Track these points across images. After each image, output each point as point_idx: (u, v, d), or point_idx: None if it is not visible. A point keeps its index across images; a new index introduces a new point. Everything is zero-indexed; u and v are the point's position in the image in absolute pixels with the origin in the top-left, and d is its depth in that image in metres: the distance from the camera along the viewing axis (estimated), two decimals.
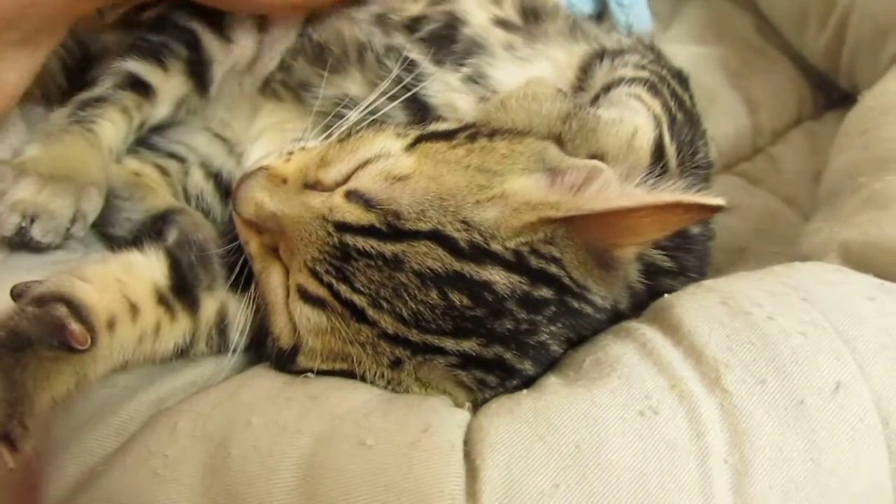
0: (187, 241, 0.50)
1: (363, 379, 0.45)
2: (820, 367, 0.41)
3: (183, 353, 0.48)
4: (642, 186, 0.44)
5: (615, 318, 0.49)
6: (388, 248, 0.43)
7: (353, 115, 0.58)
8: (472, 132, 0.49)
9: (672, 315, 0.46)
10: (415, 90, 0.62)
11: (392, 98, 0.61)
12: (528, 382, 0.45)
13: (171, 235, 0.55)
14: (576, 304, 0.46)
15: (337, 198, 0.45)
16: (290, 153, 0.50)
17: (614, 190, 0.43)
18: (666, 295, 0.49)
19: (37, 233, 0.50)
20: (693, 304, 0.46)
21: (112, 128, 0.57)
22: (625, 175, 0.47)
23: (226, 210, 0.65)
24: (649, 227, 0.44)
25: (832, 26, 0.76)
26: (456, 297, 0.43)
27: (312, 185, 0.48)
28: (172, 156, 0.65)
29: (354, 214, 0.44)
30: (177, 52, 0.61)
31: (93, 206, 0.53)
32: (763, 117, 0.82)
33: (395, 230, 0.43)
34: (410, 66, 0.64)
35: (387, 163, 0.46)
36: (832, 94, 0.82)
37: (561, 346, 0.46)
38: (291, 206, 0.46)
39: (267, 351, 0.48)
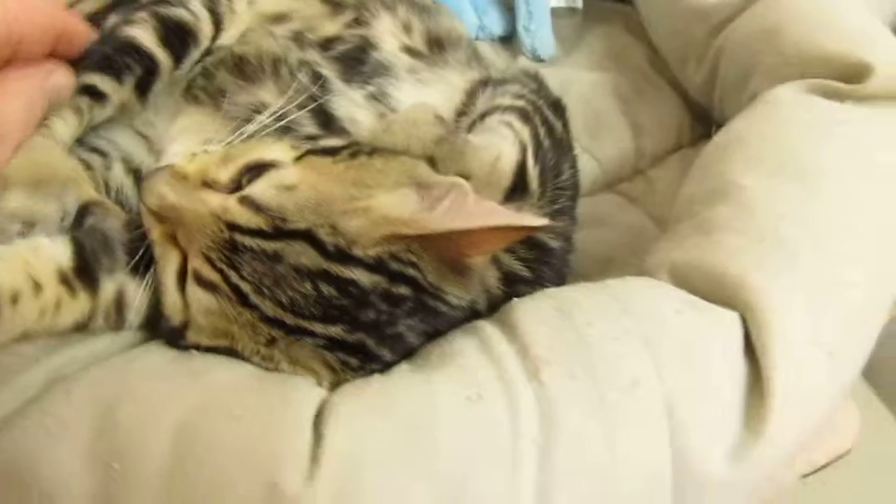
0: (93, 229, 0.56)
1: (241, 356, 0.52)
2: (622, 366, 0.49)
3: (82, 328, 0.54)
4: (490, 207, 0.52)
5: (474, 316, 0.57)
6: (270, 246, 0.50)
7: (261, 118, 0.64)
8: (354, 150, 0.56)
9: (512, 316, 0.53)
10: (321, 101, 0.69)
11: (300, 106, 0.68)
12: (386, 368, 0.52)
13: (87, 225, 0.60)
14: (431, 303, 0.53)
15: (231, 201, 0.52)
16: (195, 154, 0.57)
17: (462, 209, 0.50)
18: (514, 299, 0.56)
19: (36, 234, 0.54)
20: (532, 307, 0.54)
21: (63, 125, 0.61)
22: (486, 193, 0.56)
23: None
24: (488, 241, 0.52)
25: (707, 66, 0.84)
26: (325, 289, 0.50)
27: (210, 184, 0.54)
28: (96, 150, 0.69)
29: (244, 217, 0.51)
30: (135, 70, 0.65)
31: (73, 201, 0.58)
32: (646, 142, 0.90)
33: (277, 231, 0.50)
34: (320, 80, 0.70)
35: (278, 173, 0.53)
36: (709, 125, 0.91)
37: (418, 339, 0.53)
38: (190, 201, 0.52)
39: (160, 329, 0.54)
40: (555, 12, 0.99)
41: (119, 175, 0.70)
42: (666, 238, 0.65)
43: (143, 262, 0.55)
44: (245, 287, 0.50)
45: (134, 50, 0.65)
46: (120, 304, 0.55)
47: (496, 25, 0.99)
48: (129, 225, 0.58)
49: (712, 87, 0.85)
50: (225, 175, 0.53)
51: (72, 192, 0.58)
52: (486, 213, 0.50)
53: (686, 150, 0.91)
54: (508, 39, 1.01)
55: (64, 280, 0.52)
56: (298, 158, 0.54)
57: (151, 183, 0.53)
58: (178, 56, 0.68)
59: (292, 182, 0.52)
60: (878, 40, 0.71)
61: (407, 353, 0.54)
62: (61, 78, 0.60)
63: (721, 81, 0.83)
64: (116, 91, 0.64)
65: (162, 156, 0.71)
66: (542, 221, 0.49)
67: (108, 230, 0.56)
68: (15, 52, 0.54)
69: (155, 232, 0.54)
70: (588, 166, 0.86)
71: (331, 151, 0.56)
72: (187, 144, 0.71)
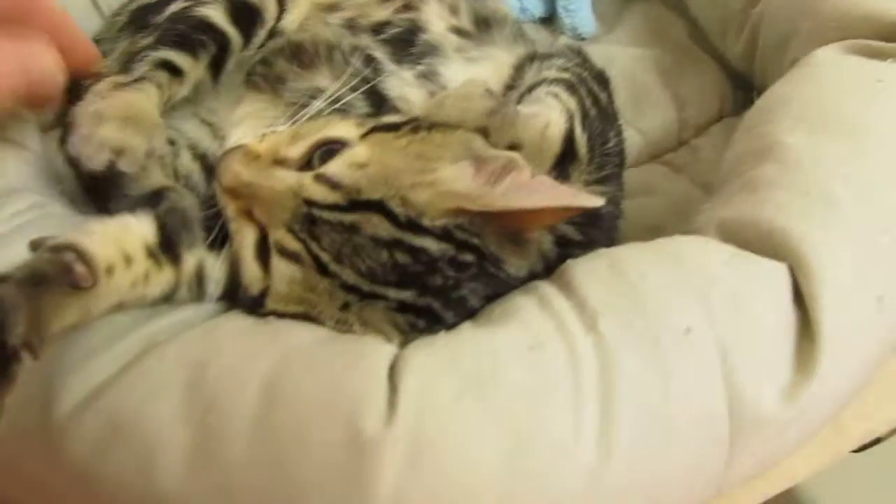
0: (173, 209, 0.60)
1: (317, 320, 0.55)
2: (676, 314, 0.52)
3: (168, 299, 0.58)
4: (550, 185, 0.55)
5: (531, 278, 0.60)
6: (347, 218, 0.54)
7: (318, 103, 0.68)
8: (415, 125, 0.60)
9: (568, 275, 0.56)
10: (374, 83, 0.73)
11: (354, 89, 0.72)
12: (450, 328, 0.55)
13: (163, 207, 0.65)
14: (492, 270, 0.56)
15: (307, 178, 0.56)
16: (264, 135, 0.61)
17: (522, 187, 0.54)
18: (569, 261, 0.59)
19: (123, 165, 0.59)
20: (586, 266, 0.57)
21: (148, 97, 0.65)
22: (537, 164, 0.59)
23: (210, 187, 0.75)
24: (546, 218, 0.56)
25: (747, 34, 0.86)
26: (400, 257, 0.54)
27: (281, 161, 0.58)
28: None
29: (321, 193, 0.55)
30: (209, 48, 0.70)
31: (160, 143, 0.63)
32: (689, 113, 0.92)
33: (352, 204, 0.54)
34: (373, 63, 0.74)
35: (350, 151, 0.57)
36: (750, 93, 0.93)
37: (479, 302, 0.57)
38: (265, 178, 0.57)
39: (238, 299, 0.58)
40: None
41: (187, 162, 0.75)
42: (712, 200, 0.67)
43: (219, 238, 0.59)
44: (325, 257, 0.54)
45: (208, 28, 0.70)
46: (200, 276, 0.59)
47: (536, 7, 1.02)
48: (203, 204, 0.63)
49: (753, 55, 0.87)
50: (295, 152, 0.57)
51: (158, 134, 0.63)
52: (547, 192, 0.54)
53: (728, 119, 0.93)
54: (548, 20, 1.04)
55: (151, 254, 0.56)
56: (364, 135, 0.58)
57: (227, 162, 0.57)
58: (247, 34, 0.73)
59: (363, 159, 0.56)
60: None
61: (469, 315, 0.57)
62: (48, 62, 0.57)
63: (761, 49, 0.84)
64: (193, 68, 0.69)
65: (226, 141, 0.76)
66: (599, 201, 0.53)
67: (185, 209, 0.60)
68: None
69: (230, 208, 0.58)
70: (633, 139, 0.89)
71: (393, 127, 0.59)
72: (250, 129, 0.76)
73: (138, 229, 0.57)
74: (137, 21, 0.77)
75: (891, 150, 0.61)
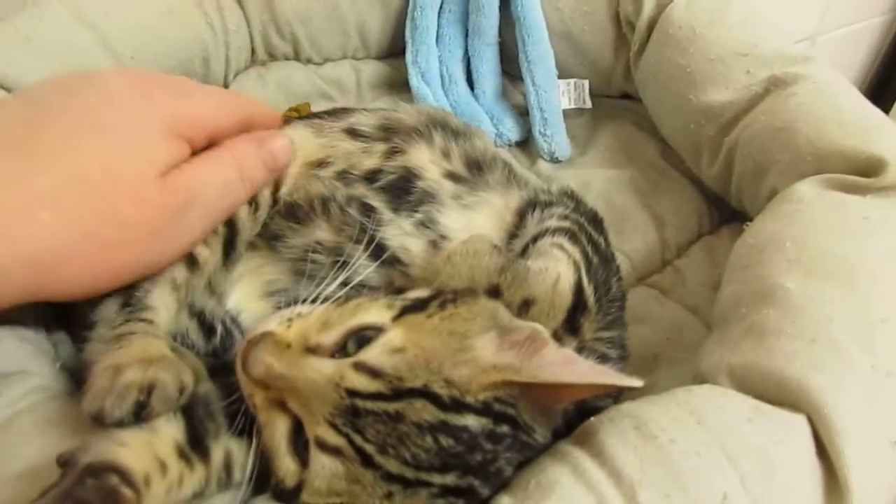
0: (195, 397, 0.59)
1: None
2: (711, 481, 0.53)
3: (198, 497, 0.56)
4: (595, 367, 0.56)
5: (555, 438, 0.60)
6: (392, 407, 0.53)
7: (321, 257, 0.69)
8: (441, 300, 0.60)
9: (596, 440, 0.57)
10: (372, 232, 0.73)
11: (355, 240, 0.72)
12: (485, 501, 0.56)
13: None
14: (525, 438, 0.57)
15: (346, 368, 0.55)
16: (290, 320, 0.60)
17: (561, 361, 0.55)
18: (591, 419, 0.60)
19: (155, 401, 0.54)
20: (612, 429, 0.57)
21: (166, 313, 0.63)
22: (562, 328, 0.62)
23: (208, 344, 0.73)
24: (584, 392, 0.57)
25: (721, 160, 0.90)
26: (444, 440, 0.53)
27: (313, 349, 0.58)
28: None
29: (363, 383, 0.54)
30: (218, 230, 0.69)
31: (190, 381, 0.58)
32: (669, 233, 0.95)
33: (396, 392, 0.54)
34: (370, 212, 0.75)
35: (385, 337, 0.57)
36: (725, 211, 0.96)
37: (512, 471, 0.57)
38: (301, 370, 0.56)
39: (271, 490, 0.57)
40: (566, 113, 1.04)
41: (183, 320, 0.73)
42: (716, 340, 0.69)
43: (244, 424, 0.58)
44: (370, 448, 0.53)
45: None
46: (229, 465, 0.58)
47: (512, 132, 1.05)
48: (220, 387, 0.61)
49: (728, 180, 0.90)
50: (328, 340, 0.57)
51: (185, 371, 0.58)
52: (593, 372, 0.55)
53: (707, 238, 0.96)
54: (524, 143, 1.07)
55: (182, 454, 0.55)
56: (396, 318, 0.58)
57: (256, 353, 0.56)
58: (254, 203, 0.72)
59: (400, 345, 0.55)
60: (885, 132, 0.76)
61: (502, 485, 0.57)
62: (276, 144, 0.72)
63: (738, 176, 0.88)
64: (211, 252, 0.67)
65: (224, 298, 0.75)
66: (639, 383, 0.53)
67: (206, 396, 0.59)
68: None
69: (258, 398, 0.57)
70: (620, 262, 0.90)
71: (421, 306, 0.59)
72: (247, 287, 0.75)
73: (168, 429, 0.55)
74: None
75: (884, 288, 0.64)
